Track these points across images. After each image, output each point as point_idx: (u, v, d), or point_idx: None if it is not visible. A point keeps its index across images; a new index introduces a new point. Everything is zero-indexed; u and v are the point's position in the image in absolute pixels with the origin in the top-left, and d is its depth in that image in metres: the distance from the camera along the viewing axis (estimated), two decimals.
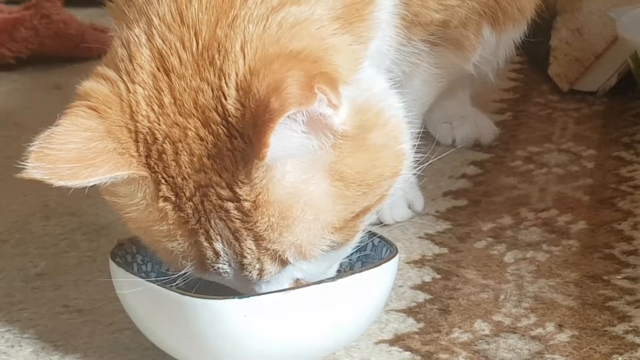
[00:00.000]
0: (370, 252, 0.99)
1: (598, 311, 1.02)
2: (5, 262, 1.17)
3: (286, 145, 0.81)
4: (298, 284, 0.91)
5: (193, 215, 0.85)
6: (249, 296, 0.90)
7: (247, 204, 0.84)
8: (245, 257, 0.86)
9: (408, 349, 0.97)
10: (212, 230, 0.86)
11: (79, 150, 0.83)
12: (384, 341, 0.99)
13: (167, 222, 0.86)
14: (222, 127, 0.84)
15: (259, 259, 0.86)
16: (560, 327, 1.00)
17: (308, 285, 0.92)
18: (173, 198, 0.85)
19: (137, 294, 0.92)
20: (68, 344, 1.00)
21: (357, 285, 0.91)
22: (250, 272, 0.87)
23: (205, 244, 0.86)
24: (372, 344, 0.99)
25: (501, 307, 1.04)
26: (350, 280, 0.91)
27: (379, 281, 0.93)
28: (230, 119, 0.83)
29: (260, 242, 0.85)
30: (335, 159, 0.86)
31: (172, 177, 0.85)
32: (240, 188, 0.84)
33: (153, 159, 0.85)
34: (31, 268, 1.15)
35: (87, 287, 1.11)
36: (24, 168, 0.82)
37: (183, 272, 0.89)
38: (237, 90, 0.83)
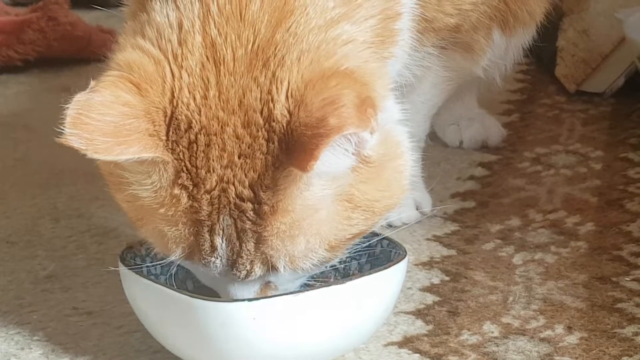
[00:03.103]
0: (379, 255, 0.99)
1: (607, 313, 1.02)
2: (14, 265, 1.17)
3: (333, 163, 0.83)
4: (268, 287, 0.91)
5: (206, 208, 0.85)
6: (259, 298, 0.90)
7: (265, 208, 0.84)
8: (241, 256, 0.87)
9: (417, 351, 0.97)
10: (217, 225, 0.86)
11: (115, 125, 0.82)
12: (393, 343, 0.99)
13: (176, 209, 0.86)
14: (262, 130, 0.84)
15: (252, 261, 0.87)
16: (569, 329, 1.00)
17: (318, 288, 0.92)
18: (190, 188, 0.85)
19: (146, 297, 0.92)
20: (77, 347, 1.00)
21: (366, 288, 0.91)
22: (239, 272, 0.87)
23: (207, 236, 0.86)
24: (381, 346, 0.99)
25: (510, 309, 1.04)
26: (359, 283, 0.91)
27: (388, 283, 0.93)
28: (273, 123, 0.84)
29: (261, 245, 0.86)
30: (352, 182, 0.87)
31: (196, 168, 0.85)
32: (263, 191, 0.84)
33: (181, 146, 0.85)
34: (40, 270, 1.16)
35: (96, 290, 1.11)
36: (62, 133, 0.81)
37: (168, 258, 0.89)
38: (287, 98, 0.83)
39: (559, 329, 1.00)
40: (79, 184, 1.39)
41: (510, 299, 1.06)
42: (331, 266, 1.02)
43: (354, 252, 1.01)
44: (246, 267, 0.87)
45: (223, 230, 0.86)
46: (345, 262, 1.01)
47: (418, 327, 1.02)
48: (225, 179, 0.85)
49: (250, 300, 0.89)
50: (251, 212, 0.85)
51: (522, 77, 1.80)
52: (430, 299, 1.07)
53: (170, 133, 0.85)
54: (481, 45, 1.19)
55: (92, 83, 0.85)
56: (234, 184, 0.85)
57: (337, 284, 0.91)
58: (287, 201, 0.84)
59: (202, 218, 0.86)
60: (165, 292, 0.89)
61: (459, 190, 1.34)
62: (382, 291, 0.93)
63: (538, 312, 1.03)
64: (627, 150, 1.44)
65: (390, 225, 1.22)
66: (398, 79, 1.06)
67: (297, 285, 0.94)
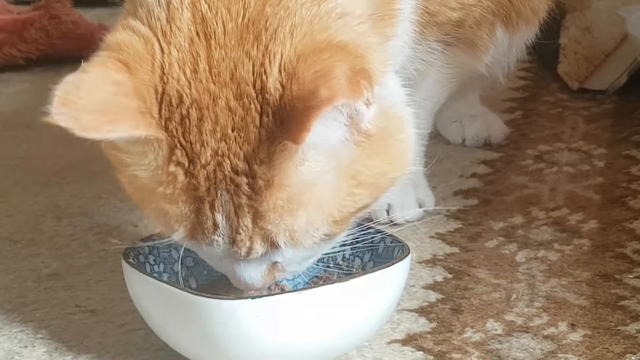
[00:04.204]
0: (383, 253, 0.99)
1: (610, 310, 1.02)
2: (17, 263, 1.17)
3: (324, 135, 0.82)
4: (275, 268, 0.91)
5: (204, 183, 0.85)
6: (262, 296, 0.90)
7: (260, 182, 0.84)
8: (239, 233, 0.86)
9: (420, 348, 0.97)
10: (217, 201, 0.85)
11: (103, 103, 0.82)
12: (396, 341, 0.99)
13: (174, 186, 0.85)
14: (255, 102, 0.83)
15: (251, 237, 0.86)
16: (572, 326, 0.99)
17: (321, 285, 0.92)
18: (186, 164, 0.85)
19: (150, 294, 0.92)
20: (81, 345, 1.00)
21: (370, 285, 0.91)
22: (239, 249, 0.87)
23: (209, 213, 0.86)
24: (384, 344, 0.99)
25: (513, 307, 1.04)
26: (362, 280, 0.91)
27: (392, 281, 0.93)
28: (266, 96, 0.83)
29: (258, 221, 0.85)
30: (355, 157, 0.86)
31: (191, 143, 0.84)
32: (258, 165, 0.84)
33: (174, 123, 0.85)
34: (43, 268, 1.16)
35: (99, 288, 1.11)
36: (49, 113, 0.81)
37: (170, 237, 0.88)
38: (280, 71, 0.83)
39: (563, 327, 0.99)
40: (81, 182, 1.39)
41: (514, 296, 1.06)
42: (334, 264, 1.02)
43: (357, 250, 1.01)
44: (245, 243, 0.86)
45: (222, 207, 0.85)
46: (348, 260, 1.02)
47: (421, 324, 1.02)
48: (219, 152, 0.84)
49: (253, 298, 0.89)
50: (246, 187, 0.84)
51: (525, 74, 1.80)
52: (433, 296, 1.07)
53: (163, 110, 0.85)
54: (484, 42, 1.19)
55: (82, 65, 0.85)
56: (228, 157, 0.84)
57: (340, 281, 0.91)
58: (282, 176, 0.83)
59: (201, 195, 0.85)
60: (169, 289, 0.89)
61: (462, 188, 1.34)
62: (385, 289, 0.93)
63: (541, 310, 1.03)
64: (630, 147, 1.44)
65: (393, 223, 1.22)
66: (402, 72, 1.06)
67: (305, 267, 0.93)
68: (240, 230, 0.86)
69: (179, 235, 0.88)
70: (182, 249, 0.94)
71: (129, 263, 0.94)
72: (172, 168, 0.85)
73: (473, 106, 1.49)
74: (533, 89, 1.74)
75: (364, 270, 0.98)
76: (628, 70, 1.65)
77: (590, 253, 1.15)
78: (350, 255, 1.01)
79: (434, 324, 1.01)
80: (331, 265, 1.02)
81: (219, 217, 0.86)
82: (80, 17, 2.00)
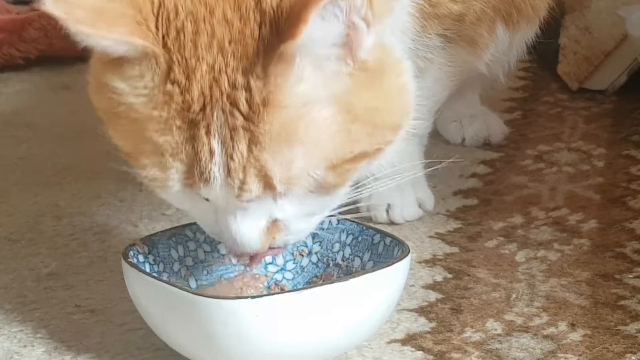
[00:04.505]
0: (382, 252, 0.99)
1: (610, 310, 1.02)
2: (16, 263, 1.17)
3: (323, 29, 0.80)
4: (275, 226, 0.89)
5: (198, 100, 0.83)
6: (261, 296, 0.90)
7: (257, 98, 0.82)
8: (233, 159, 0.83)
9: (420, 348, 0.97)
10: (213, 124, 0.83)
11: (98, 8, 0.81)
12: (396, 341, 0.99)
13: (169, 108, 0.83)
14: (253, 12, 0.82)
15: (244, 167, 0.84)
16: (572, 326, 0.99)
17: (320, 285, 0.92)
18: (183, 81, 0.83)
19: (149, 294, 0.92)
20: (80, 344, 1.00)
21: (370, 285, 0.91)
22: (233, 182, 0.84)
23: (204, 138, 0.83)
24: (384, 344, 0.98)
25: (513, 307, 1.03)
26: (362, 280, 0.91)
27: (392, 280, 0.93)
28: (264, 6, 0.82)
29: (254, 147, 0.83)
30: (349, 89, 0.85)
31: (186, 59, 0.83)
32: (255, 80, 0.82)
33: (170, 38, 0.83)
34: (42, 268, 1.15)
35: (99, 287, 1.11)
36: (44, 3, 0.80)
37: (168, 182, 0.86)
38: None
39: (562, 326, 0.99)
40: (80, 182, 1.39)
41: (513, 296, 1.06)
42: (334, 264, 1.02)
43: (357, 250, 1.01)
44: (239, 175, 0.84)
45: (218, 131, 0.83)
46: (347, 259, 1.02)
47: (421, 324, 1.02)
48: (216, 67, 0.82)
49: (253, 297, 0.89)
50: (244, 103, 0.82)
51: (524, 74, 1.80)
52: (433, 296, 1.07)
53: (159, 24, 0.83)
54: (485, 40, 1.19)
55: None
56: (225, 72, 0.82)
57: (340, 281, 0.91)
58: (279, 94, 0.82)
59: (197, 117, 0.83)
60: (169, 289, 0.89)
61: (462, 188, 1.34)
62: (385, 288, 0.93)
63: (541, 310, 1.03)
64: (630, 147, 1.44)
65: (392, 223, 1.23)
66: None
67: (304, 235, 0.92)
68: (235, 157, 0.83)
69: (175, 176, 0.85)
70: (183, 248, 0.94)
71: (129, 263, 0.94)
72: (168, 86, 0.83)
73: (473, 106, 1.49)
74: (533, 89, 1.74)
75: (364, 270, 0.98)
76: (628, 70, 1.65)
77: (590, 253, 1.15)
78: (349, 255, 1.01)
79: (433, 324, 1.01)
80: (330, 265, 1.02)
81: (215, 143, 0.84)
82: None
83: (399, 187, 1.23)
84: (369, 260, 1.00)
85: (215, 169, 0.84)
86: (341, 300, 0.90)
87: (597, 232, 1.20)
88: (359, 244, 1.01)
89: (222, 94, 0.83)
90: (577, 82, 1.69)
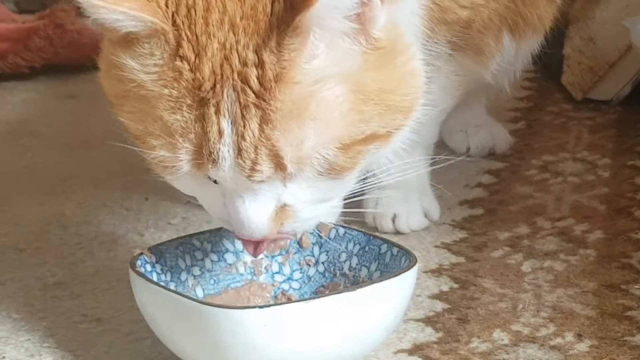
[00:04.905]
0: (389, 262, 0.99)
1: (617, 321, 1.02)
2: (23, 272, 1.17)
3: (335, 5, 0.81)
4: (284, 211, 0.89)
5: (209, 79, 0.83)
6: (269, 305, 0.90)
7: (269, 74, 0.82)
8: (244, 139, 0.83)
9: (427, 358, 0.97)
10: (223, 103, 0.83)
11: None
12: (402, 350, 0.99)
13: (179, 86, 0.83)
14: None
15: (256, 147, 0.83)
16: (579, 336, 0.99)
17: (327, 295, 0.93)
18: (193, 58, 0.83)
19: (157, 303, 0.92)
20: (87, 353, 1.00)
21: (377, 295, 0.91)
22: (244, 162, 0.84)
23: (214, 117, 0.83)
24: (391, 354, 0.98)
25: (520, 317, 1.03)
26: (369, 290, 0.91)
27: (399, 290, 0.93)
28: None
29: (265, 125, 0.83)
30: (362, 68, 0.85)
31: (196, 36, 0.83)
32: (268, 55, 0.82)
33: (180, 15, 0.83)
34: (49, 277, 1.16)
35: (105, 296, 1.11)
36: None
37: (177, 163, 0.85)
38: None
39: (569, 337, 0.99)
40: (86, 191, 1.39)
41: (520, 306, 1.06)
42: (341, 274, 1.02)
43: (364, 260, 1.01)
44: (250, 154, 0.83)
45: (228, 110, 0.83)
46: (354, 269, 1.02)
47: (428, 334, 1.02)
48: (227, 45, 0.82)
49: (261, 307, 0.89)
50: (255, 80, 0.82)
51: (529, 84, 1.80)
52: (439, 306, 1.07)
53: (170, 1, 0.83)
54: (491, 49, 1.19)
55: None
56: (236, 50, 0.82)
57: (347, 291, 0.91)
58: (292, 70, 0.82)
59: (207, 95, 0.83)
60: (176, 298, 0.89)
61: (467, 198, 1.34)
62: (392, 298, 0.93)
63: (548, 320, 1.03)
64: (635, 158, 1.44)
65: (398, 232, 1.23)
66: None
67: (312, 224, 0.92)
68: (246, 136, 0.83)
69: (184, 157, 0.85)
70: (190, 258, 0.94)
71: (136, 272, 0.94)
72: (178, 62, 0.83)
73: (478, 116, 1.49)
74: (537, 99, 1.74)
75: (371, 279, 0.98)
76: (632, 80, 1.66)
77: (596, 263, 1.15)
78: (356, 264, 1.02)
79: (440, 334, 1.01)
80: (337, 274, 1.03)
81: (225, 123, 0.83)
82: (84, 26, 2.00)
83: (405, 196, 1.24)
84: (376, 270, 1.00)
85: (225, 149, 0.84)
86: (348, 310, 0.90)
87: (603, 242, 1.20)
88: (366, 253, 1.01)
89: (232, 71, 0.83)
90: (581, 93, 1.69)
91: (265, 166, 0.84)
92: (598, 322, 1.02)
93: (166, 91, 0.84)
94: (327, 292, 1.01)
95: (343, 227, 1.03)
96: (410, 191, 1.24)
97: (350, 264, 1.02)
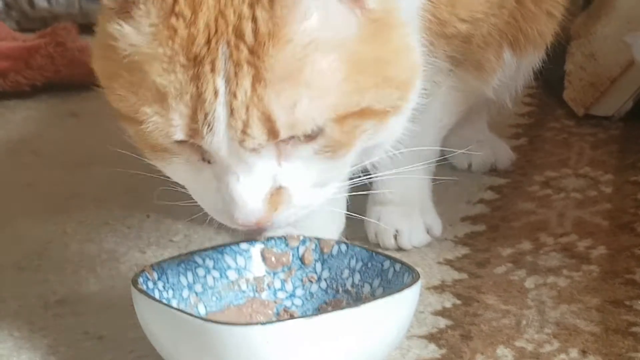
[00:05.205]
0: (392, 278, 0.99)
1: (621, 337, 1.01)
2: (25, 289, 1.17)
3: None
4: (279, 193, 0.88)
5: (203, 33, 0.83)
6: (272, 322, 0.89)
7: (262, 29, 0.82)
8: (236, 98, 0.82)
9: None
10: (218, 60, 0.82)
11: None
12: None
13: (174, 44, 0.83)
14: None
15: (247, 107, 0.82)
16: (583, 353, 0.99)
17: (330, 311, 0.92)
18: (189, 15, 0.83)
19: (159, 321, 0.92)
20: None
21: (380, 311, 0.91)
22: (236, 123, 0.83)
23: (209, 76, 0.82)
24: None
25: (523, 333, 1.03)
26: (372, 307, 0.90)
27: (402, 307, 0.93)
28: None
29: (257, 84, 0.82)
30: (357, 37, 0.85)
31: None
32: (260, 11, 0.82)
33: None
34: (51, 295, 1.15)
35: (107, 314, 1.10)
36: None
37: (170, 129, 0.84)
38: None
39: (573, 353, 0.99)
40: (88, 209, 1.39)
41: (524, 322, 1.05)
42: (343, 290, 1.02)
43: (366, 276, 1.01)
44: (241, 115, 0.82)
45: (223, 67, 0.82)
46: (357, 286, 1.01)
47: (431, 351, 1.01)
48: (222, 0, 0.83)
49: (263, 324, 0.89)
50: (249, 34, 0.82)
51: (530, 100, 1.80)
52: (442, 322, 1.06)
53: None
54: (492, 65, 1.19)
55: None
56: (232, 4, 0.82)
57: (350, 307, 0.91)
58: (285, 27, 0.82)
59: (201, 51, 0.82)
60: (179, 315, 0.89)
61: (469, 214, 1.34)
62: (395, 315, 0.92)
63: (552, 336, 1.02)
64: (638, 173, 1.44)
65: (400, 249, 1.22)
66: None
67: (311, 204, 0.90)
68: (238, 95, 0.82)
69: (178, 122, 0.84)
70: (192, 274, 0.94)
71: (138, 289, 0.94)
72: (173, 20, 0.83)
73: (480, 132, 1.49)
74: (538, 115, 1.74)
75: (374, 296, 0.98)
76: (634, 96, 1.66)
77: (600, 279, 1.14)
78: (359, 281, 1.01)
79: (443, 351, 1.01)
80: (340, 291, 1.02)
81: (219, 81, 0.83)
82: (86, 44, 2.00)
83: (407, 213, 1.24)
84: (378, 287, 0.99)
85: (220, 109, 0.83)
86: (351, 326, 0.89)
87: (607, 258, 1.19)
88: (369, 270, 1.01)
89: (227, 25, 0.83)
90: (583, 108, 1.69)
91: (257, 130, 0.83)
92: (602, 339, 1.01)
93: (160, 50, 0.84)
94: (329, 308, 1.00)
95: (345, 243, 1.03)
96: (412, 207, 1.24)
97: (352, 280, 1.01)
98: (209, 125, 0.84)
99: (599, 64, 1.68)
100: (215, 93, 0.83)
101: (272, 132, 0.84)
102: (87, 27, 2.10)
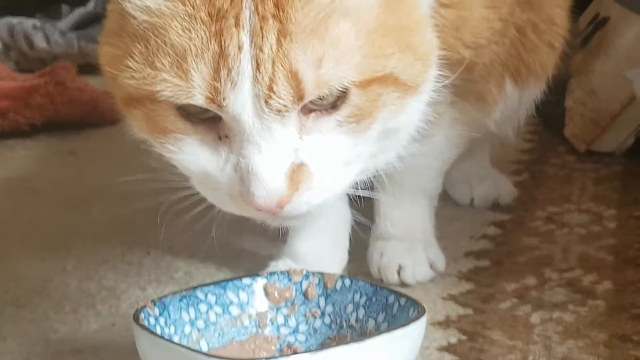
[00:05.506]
0: (397, 313, 0.97)
1: None
2: (24, 328, 1.15)
3: None
4: (301, 170, 0.86)
5: None
6: (275, 358, 0.88)
7: None
8: (262, 51, 0.81)
9: None
10: (242, 15, 0.81)
11: None
12: None
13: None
14: None
15: (274, 62, 0.81)
16: None
17: (334, 347, 0.91)
18: None
19: (161, 357, 0.90)
20: None
21: (385, 347, 0.89)
22: (262, 78, 0.81)
23: (233, 30, 0.81)
24: None
25: None
26: (377, 342, 0.89)
27: (407, 342, 0.91)
28: None
29: (283, 39, 0.81)
30: (380, 4, 0.85)
31: None
32: None
33: None
34: (51, 333, 1.14)
35: (108, 352, 1.09)
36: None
37: (190, 92, 0.82)
38: None
39: None
40: (87, 246, 1.38)
41: (530, 358, 1.04)
42: (348, 326, 1.00)
43: (371, 311, 0.99)
44: (268, 70, 0.81)
45: (248, 21, 0.81)
46: (361, 321, 1.00)
47: None
48: None
49: (267, 359, 0.87)
50: None
51: (531, 137, 1.80)
52: (448, 358, 1.05)
53: None
54: (494, 96, 1.18)
55: None
56: None
57: (354, 342, 0.89)
58: None
59: (224, 6, 0.81)
60: (181, 351, 0.87)
61: (473, 249, 1.33)
62: (401, 350, 0.91)
63: None
64: None
65: (404, 284, 1.21)
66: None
67: (331, 186, 0.89)
68: (265, 49, 0.81)
69: (199, 83, 0.82)
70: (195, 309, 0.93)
71: (140, 325, 0.92)
72: None
73: (482, 167, 1.49)
74: (540, 151, 1.74)
75: (378, 331, 0.96)
76: (635, 131, 1.66)
77: (606, 314, 1.13)
78: (363, 316, 1.00)
79: None
80: (344, 326, 1.01)
81: (244, 36, 0.81)
82: (85, 83, 2.01)
83: (410, 248, 1.23)
84: (383, 321, 0.98)
85: (245, 63, 0.82)
86: None
87: (613, 293, 1.18)
88: (373, 304, 0.99)
89: None
90: (584, 144, 1.69)
91: (283, 88, 0.82)
92: None
93: (180, 8, 0.83)
94: (334, 344, 0.99)
95: (349, 277, 1.02)
96: (415, 242, 1.23)
97: (357, 315, 1.00)
98: (232, 82, 0.82)
99: (600, 100, 1.68)
100: (240, 47, 0.82)
101: (298, 93, 0.82)
102: (86, 68, 2.12)
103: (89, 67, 2.19)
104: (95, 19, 2.64)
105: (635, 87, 1.54)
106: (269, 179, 0.84)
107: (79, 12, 2.66)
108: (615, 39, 1.71)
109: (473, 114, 1.18)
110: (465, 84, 1.13)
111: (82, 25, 2.63)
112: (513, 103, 1.24)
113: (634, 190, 1.52)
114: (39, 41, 2.51)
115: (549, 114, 1.72)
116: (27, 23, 2.53)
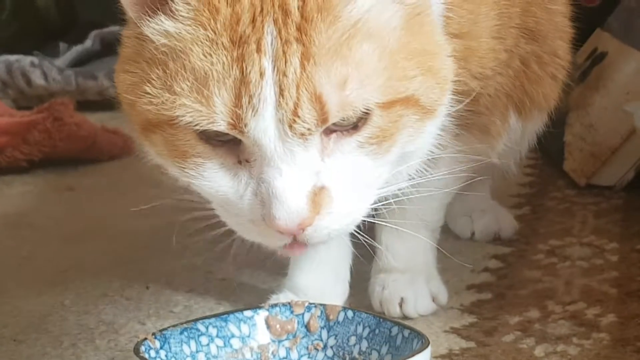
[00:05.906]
0: (401, 345, 0.96)
1: None
2: None
3: None
4: (322, 192, 0.86)
5: (248, 11, 0.81)
6: None
7: (310, 4, 0.81)
8: (286, 76, 0.81)
9: None
10: (264, 39, 0.81)
11: None
12: None
13: (216, 24, 0.82)
14: None
15: (298, 86, 0.81)
16: None
17: None
18: None
19: None
20: None
21: None
22: (286, 103, 0.81)
23: (255, 56, 0.81)
24: None
25: None
26: None
27: None
28: None
29: (306, 63, 0.81)
30: (403, 27, 0.86)
31: None
32: None
33: None
34: None
35: None
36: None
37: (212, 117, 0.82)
38: None
39: None
40: (86, 281, 1.37)
41: None
42: (350, 358, 0.99)
43: (374, 343, 0.98)
44: (292, 94, 0.81)
45: (270, 46, 0.81)
46: (364, 353, 0.99)
47: None
48: None
49: None
50: (296, 11, 0.81)
51: (531, 171, 1.79)
52: None
53: None
54: (497, 129, 1.18)
55: None
56: None
57: None
58: (333, 4, 0.81)
59: (246, 31, 0.81)
60: None
61: (475, 282, 1.32)
62: None
63: None
64: None
65: (406, 317, 1.20)
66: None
67: (351, 213, 0.88)
68: (288, 74, 0.81)
69: (221, 109, 0.82)
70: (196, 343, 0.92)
71: (140, 357, 0.91)
72: (215, 1, 0.82)
73: (483, 200, 1.48)
74: (540, 185, 1.73)
75: None
76: (635, 165, 1.65)
77: (611, 347, 1.12)
78: (366, 348, 0.99)
79: None
80: (347, 359, 1.00)
81: (266, 62, 0.81)
82: (83, 119, 2.00)
83: (412, 281, 1.22)
84: (387, 354, 0.97)
85: (267, 89, 0.82)
86: None
87: (617, 326, 1.17)
88: (376, 336, 0.98)
89: (273, 3, 0.81)
90: (584, 178, 1.68)
91: (307, 112, 0.82)
92: None
93: (201, 33, 0.83)
94: None
95: (352, 309, 1.01)
96: (417, 275, 1.22)
97: (360, 347, 0.99)
98: (253, 109, 0.82)
99: (599, 134, 1.68)
100: (262, 74, 0.82)
101: (322, 115, 0.82)
102: (83, 104, 2.11)
103: (87, 104, 2.20)
104: (92, 56, 2.64)
105: (635, 119, 1.54)
106: (290, 201, 0.84)
107: (77, 49, 2.66)
108: (614, 73, 1.71)
109: (476, 147, 1.18)
110: (470, 115, 1.12)
111: (79, 62, 2.63)
112: (516, 135, 1.24)
113: (635, 223, 1.51)
114: (37, 78, 2.50)
115: (549, 147, 1.72)
116: (25, 60, 2.52)
